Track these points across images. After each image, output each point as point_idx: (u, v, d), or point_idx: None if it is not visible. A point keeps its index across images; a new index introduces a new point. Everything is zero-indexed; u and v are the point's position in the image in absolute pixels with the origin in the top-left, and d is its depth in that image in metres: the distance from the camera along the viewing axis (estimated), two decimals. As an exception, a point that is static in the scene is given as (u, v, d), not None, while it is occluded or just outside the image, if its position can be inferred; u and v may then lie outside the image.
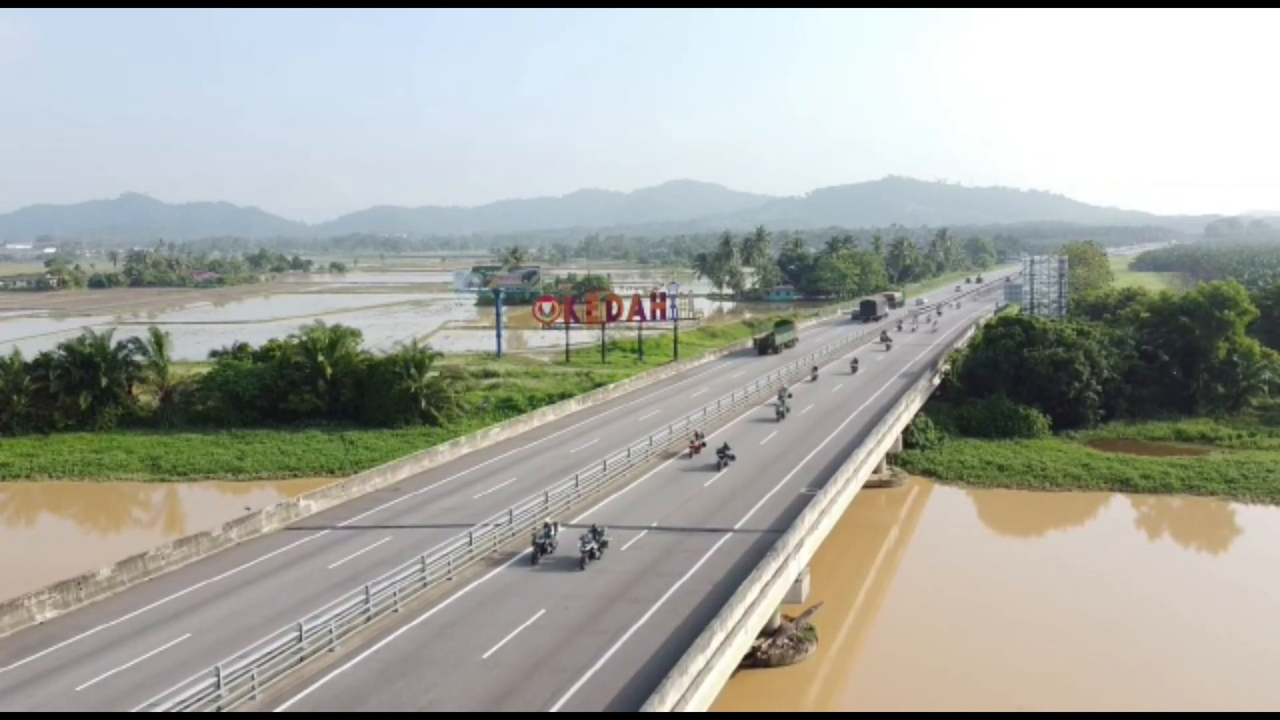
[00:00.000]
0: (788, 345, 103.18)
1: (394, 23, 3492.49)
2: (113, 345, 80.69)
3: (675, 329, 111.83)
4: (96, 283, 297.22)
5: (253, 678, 26.03)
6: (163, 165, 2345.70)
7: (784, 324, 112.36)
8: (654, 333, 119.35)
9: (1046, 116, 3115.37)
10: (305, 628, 28.44)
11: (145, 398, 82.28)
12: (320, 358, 79.22)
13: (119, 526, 60.47)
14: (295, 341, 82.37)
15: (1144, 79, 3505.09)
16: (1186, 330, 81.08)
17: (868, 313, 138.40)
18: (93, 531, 59.58)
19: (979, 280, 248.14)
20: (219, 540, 38.88)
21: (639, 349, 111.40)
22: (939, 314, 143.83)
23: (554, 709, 25.22)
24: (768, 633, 36.47)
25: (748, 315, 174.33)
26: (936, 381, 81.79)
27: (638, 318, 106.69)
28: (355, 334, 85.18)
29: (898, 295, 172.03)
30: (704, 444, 53.59)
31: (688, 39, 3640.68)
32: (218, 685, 25.40)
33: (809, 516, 38.97)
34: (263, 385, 78.81)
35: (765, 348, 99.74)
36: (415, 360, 78.55)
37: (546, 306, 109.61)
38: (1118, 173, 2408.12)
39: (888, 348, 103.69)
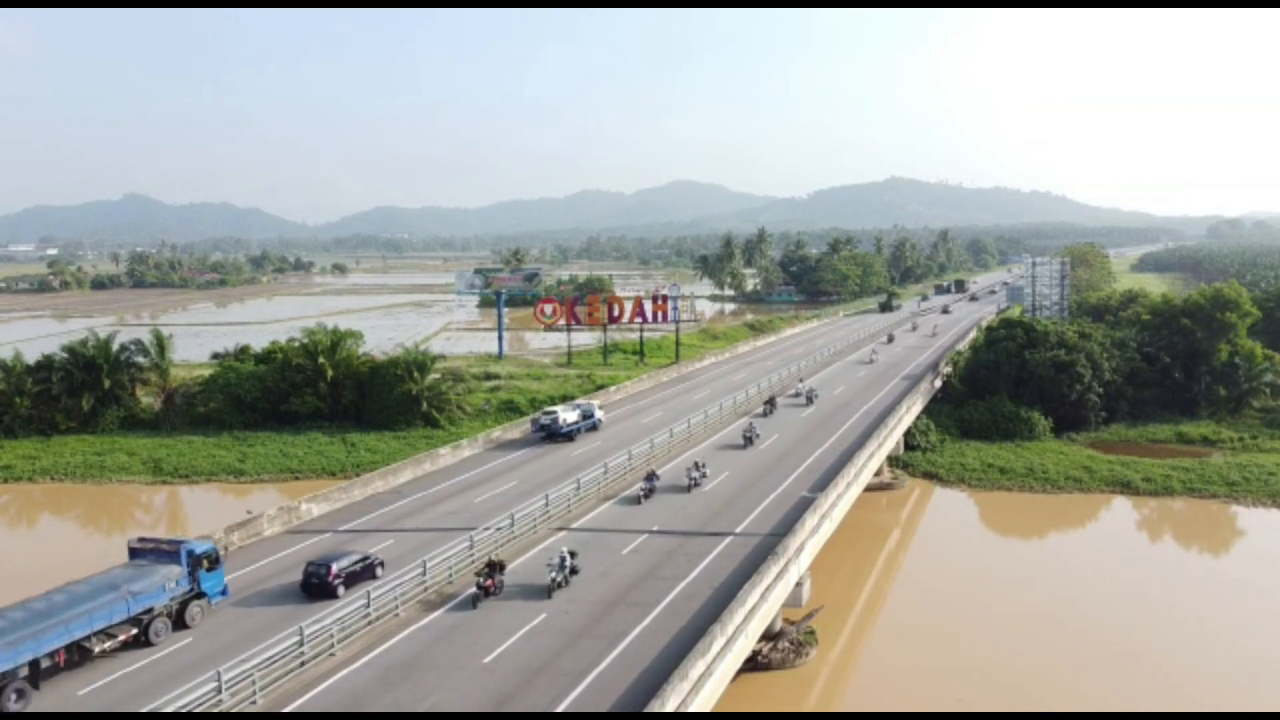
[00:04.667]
0: (896, 308, 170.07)
1: (399, 25, 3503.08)
2: (115, 347, 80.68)
3: (677, 330, 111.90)
4: (99, 284, 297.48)
5: (254, 682, 26.08)
6: (165, 166, 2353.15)
7: (894, 295, 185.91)
8: (655, 334, 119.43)
9: (1048, 117, 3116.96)
10: (307, 631, 28.49)
11: (147, 399, 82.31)
12: (322, 360, 79.26)
13: (121, 528, 60.32)
14: (297, 343, 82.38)
15: (1145, 79, 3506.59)
16: (1188, 332, 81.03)
17: (959, 287, 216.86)
18: (95, 534, 59.57)
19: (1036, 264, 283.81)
20: (221, 543, 38.82)
21: (640, 350, 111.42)
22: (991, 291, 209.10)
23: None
24: (769, 636, 36.49)
25: (749, 316, 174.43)
26: (938, 384, 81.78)
27: (639, 319, 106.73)
28: (357, 336, 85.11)
29: (964, 281, 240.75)
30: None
31: (691, 41, 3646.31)
32: (219, 690, 25.46)
33: (810, 520, 38.98)
34: (264, 387, 78.86)
35: (884, 308, 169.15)
36: (417, 362, 78.53)
37: (548, 308, 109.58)
38: (1119, 173, 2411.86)
39: (956, 307, 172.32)
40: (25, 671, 26.60)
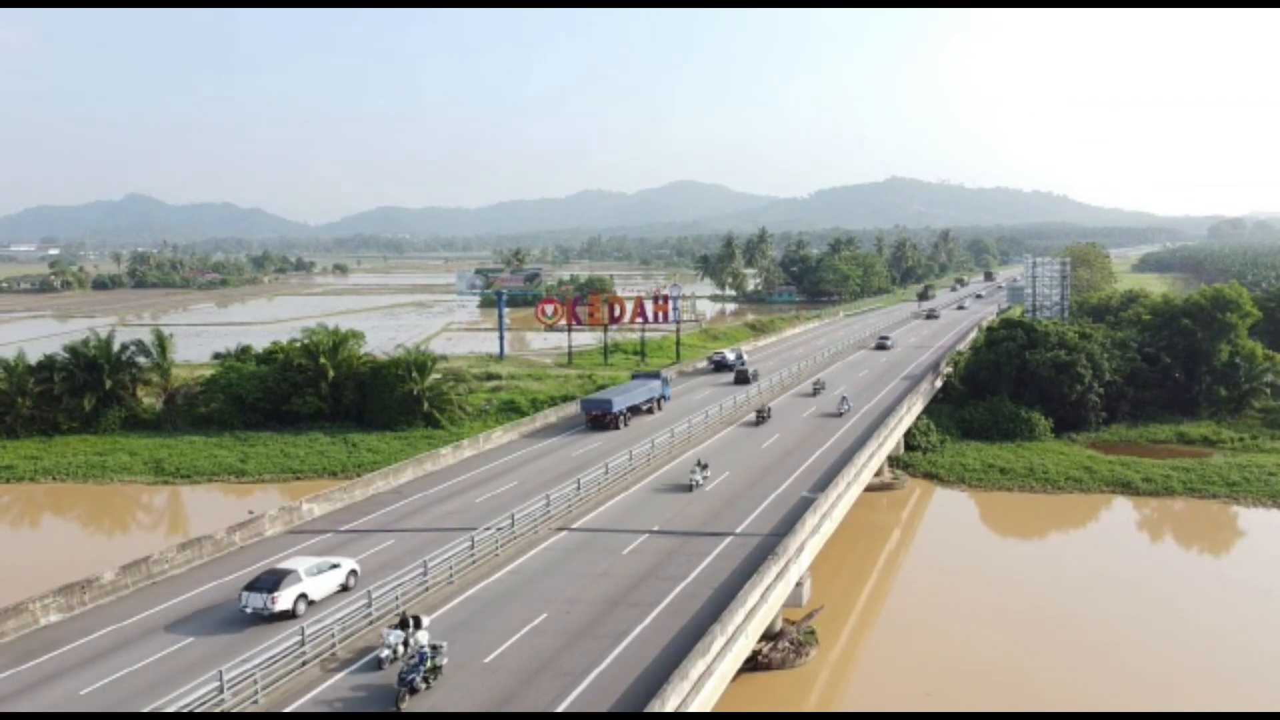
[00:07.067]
0: (933, 297, 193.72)
1: (400, 24, 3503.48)
2: (116, 347, 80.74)
3: (678, 331, 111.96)
4: (100, 284, 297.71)
5: (256, 682, 26.14)
6: (166, 166, 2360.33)
7: (929, 287, 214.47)
8: (656, 334, 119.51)
9: (1050, 117, 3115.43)
10: (308, 631, 28.56)
11: (149, 400, 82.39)
12: (323, 360, 79.32)
13: (123, 529, 60.59)
14: (298, 344, 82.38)
15: (1146, 79, 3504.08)
16: (1189, 333, 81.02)
17: (988, 278, 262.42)
18: (96, 534, 59.68)
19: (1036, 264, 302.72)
20: (222, 544, 39.03)
21: (641, 351, 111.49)
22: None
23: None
24: (769, 636, 36.55)
25: (750, 317, 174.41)
26: (939, 384, 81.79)
27: (640, 319, 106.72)
28: (358, 336, 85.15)
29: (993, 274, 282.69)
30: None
31: (693, 41, 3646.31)
32: (221, 689, 25.53)
33: (810, 520, 39.03)
34: (265, 387, 78.94)
35: (921, 298, 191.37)
36: (418, 362, 78.60)
37: (549, 308, 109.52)
38: (1121, 173, 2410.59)
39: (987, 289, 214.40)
40: (627, 412, 63.35)
